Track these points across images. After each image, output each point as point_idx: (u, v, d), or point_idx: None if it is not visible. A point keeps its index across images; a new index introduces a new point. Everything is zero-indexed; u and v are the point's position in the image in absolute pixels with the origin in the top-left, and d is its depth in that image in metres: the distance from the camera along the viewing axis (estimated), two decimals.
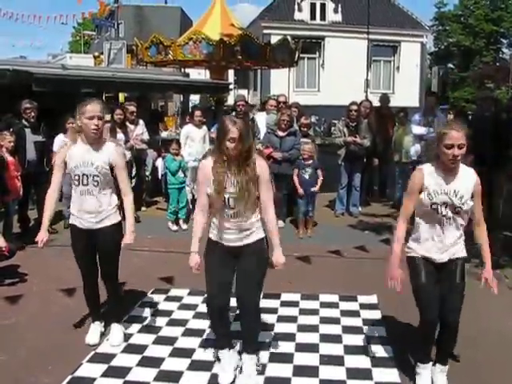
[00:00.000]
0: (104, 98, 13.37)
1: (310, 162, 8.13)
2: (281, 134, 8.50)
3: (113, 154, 4.40)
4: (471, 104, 33.04)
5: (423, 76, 33.51)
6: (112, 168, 4.39)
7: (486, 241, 3.92)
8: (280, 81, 23.16)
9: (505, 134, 8.21)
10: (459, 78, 40.50)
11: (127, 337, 4.74)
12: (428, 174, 3.78)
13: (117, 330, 4.68)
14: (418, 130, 8.91)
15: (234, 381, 4.01)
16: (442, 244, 3.84)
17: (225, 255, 4.02)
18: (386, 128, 10.20)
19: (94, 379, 4.07)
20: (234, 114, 9.09)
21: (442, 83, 30.53)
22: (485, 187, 8.64)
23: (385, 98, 11.06)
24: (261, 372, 4.16)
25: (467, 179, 3.77)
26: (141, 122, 9.36)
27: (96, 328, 4.76)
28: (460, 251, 3.92)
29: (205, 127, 9.32)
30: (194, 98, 17.70)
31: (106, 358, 4.40)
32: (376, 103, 10.92)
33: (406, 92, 29.04)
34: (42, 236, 4.44)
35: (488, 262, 3.91)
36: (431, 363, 4.00)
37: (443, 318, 3.83)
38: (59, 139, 8.36)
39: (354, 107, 9.13)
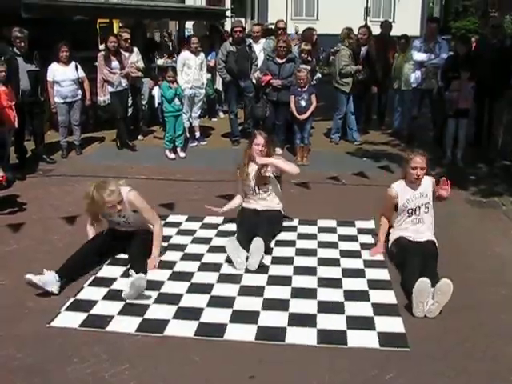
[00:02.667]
0: (98, 26, 13.08)
1: (305, 88, 8.03)
2: (279, 60, 8.34)
3: (129, 201, 4.70)
4: (474, 34, 32.38)
5: (425, 4, 32.65)
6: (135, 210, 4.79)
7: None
8: (278, 9, 22.63)
9: (508, 62, 8.07)
10: (462, 7, 39.48)
11: (126, 261, 4.76)
12: (399, 190, 4.85)
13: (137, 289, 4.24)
14: (419, 56, 8.72)
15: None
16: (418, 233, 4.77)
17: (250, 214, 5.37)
18: (386, 55, 9.98)
19: (96, 301, 4.15)
20: (231, 40, 8.87)
21: (444, 11, 29.82)
22: (485, 116, 8.64)
23: (387, 25, 10.78)
24: (260, 294, 4.23)
25: (427, 183, 4.83)
26: (135, 49, 9.15)
27: None
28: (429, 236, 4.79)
29: (202, 54, 9.11)
30: (190, 27, 17.34)
31: (106, 282, 4.47)
32: (376, 32, 10.64)
33: (407, 20, 28.27)
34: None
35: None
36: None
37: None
38: (52, 68, 8.21)
39: (353, 34, 8.99)
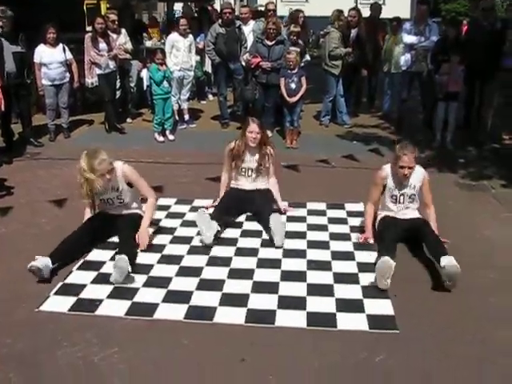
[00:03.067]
0: (85, 7, 12.91)
1: (296, 70, 8.00)
2: (269, 43, 8.28)
3: (125, 174, 4.72)
4: (464, 17, 32.25)
5: None
6: (130, 184, 4.79)
7: (434, 219, 4.83)
8: None
9: (499, 45, 8.07)
10: None
11: (115, 245, 4.73)
12: (389, 174, 4.81)
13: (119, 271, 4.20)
14: (409, 38, 8.67)
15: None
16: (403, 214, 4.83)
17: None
18: (376, 38, 9.94)
19: (85, 285, 4.12)
20: (220, 22, 8.79)
21: None
22: (476, 99, 8.63)
23: (376, 7, 10.72)
24: (249, 277, 4.23)
25: (418, 174, 4.77)
26: (123, 31, 9.05)
27: None
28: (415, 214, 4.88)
29: (191, 36, 9.04)
30: (178, 9, 17.15)
31: (95, 265, 4.44)
32: (366, 14, 10.57)
33: (398, 2, 28.19)
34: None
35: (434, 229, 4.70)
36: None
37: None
38: (39, 50, 8.11)
39: (343, 17, 8.94)
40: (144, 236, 4.71)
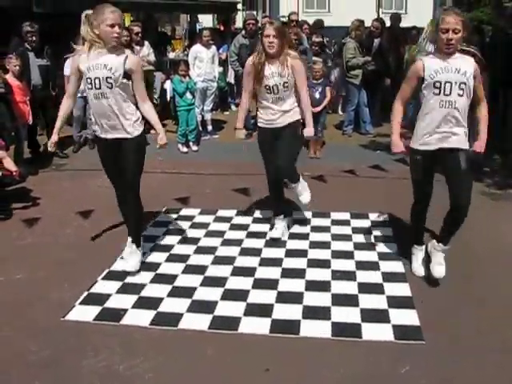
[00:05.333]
0: None
1: (320, 80, 8.00)
2: (292, 52, 8.27)
3: (129, 59, 4.23)
4: (487, 25, 31.97)
5: None
6: (128, 76, 4.23)
7: (485, 117, 4.17)
8: (289, 2, 22.47)
9: None
10: None
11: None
12: (427, 59, 4.02)
13: (135, 254, 4.59)
14: (431, 47, 8.63)
15: (280, 238, 5.04)
16: (438, 127, 4.01)
17: (271, 138, 4.92)
18: (398, 47, 9.92)
19: (109, 295, 4.15)
20: (243, 33, 8.84)
21: (456, 3, 29.51)
22: (500, 107, 8.51)
23: (395, 17, 10.71)
24: (273, 287, 4.22)
25: (467, 61, 3.97)
26: (146, 43, 9.16)
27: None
28: (463, 142, 4.05)
29: (214, 47, 9.10)
30: (201, 21, 17.27)
31: (120, 275, 4.46)
32: (389, 23, 10.58)
33: (420, 11, 28.00)
34: (54, 139, 4.53)
35: (483, 136, 4.19)
36: (424, 246, 4.48)
37: (453, 199, 4.04)
38: (70, 63, 8.20)
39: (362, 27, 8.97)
40: (164, 140, 4.47)
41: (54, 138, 4.52)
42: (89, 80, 4.20)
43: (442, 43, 3.87)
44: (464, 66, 3.90)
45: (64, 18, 9.09)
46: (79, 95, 8.28)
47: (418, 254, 4.51)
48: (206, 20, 17.83)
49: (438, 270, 4.21)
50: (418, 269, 4.43)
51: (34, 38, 7.65)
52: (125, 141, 4.35)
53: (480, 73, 3.98)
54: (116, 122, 4.31)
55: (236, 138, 5.07)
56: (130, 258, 4.59)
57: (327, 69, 9.51)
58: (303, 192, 5.10)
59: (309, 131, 4.95)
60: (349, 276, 4.39)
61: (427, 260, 4.41)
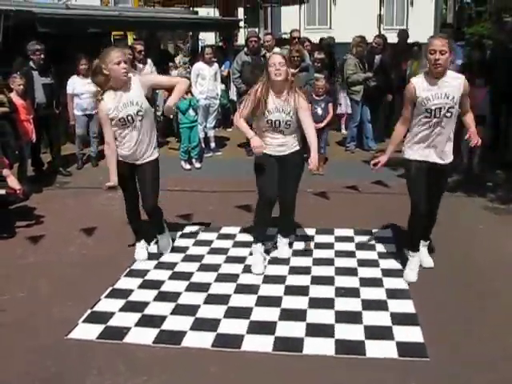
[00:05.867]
0: (112, 39, 13.17)
1: (323, 97, 8.03)
2: (293, 70, 8.31)
3: (140, 82, 4.68)
4: (487, 40, 32.13)
5: (438, 11, 32.51)
6: (149, 92, 4.77)
7: (472, 120, 4.50)
8: (291, 18, 22.60)
9: None
10: (475, 13, 39.27)
11: (143, 273, 4.80)
12: (418, 83, 4.30)
13: (165, 236, 5.21)
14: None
15: (263, 273, 4.77)
16: (435, 149, 4.40)
17: (272, 161, 4.77)
18: (400, 63, 9.97)
19: (113, 313, 4.15)
20: (245, 50, 8.90)
21: (457, 18, 29.68)
22: (503, 121, 8.52)
23: (403, 34, 10.78)
24: (277, 304, 4.21)
25: (455, 81, 4.26)
26: (149, 61, 9.22)
27: (142, 245, 5.19)
28: (450, 156, 4.51)
29: (216, 65, 9.16)
30: (203, 38, 17.39)
31: (123, 293, 4.47)
32: (390, 39, 10.63)
33: (421, 27, 28.13)
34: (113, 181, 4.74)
35: (473, 127, 4.46)
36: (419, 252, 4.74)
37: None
38: (72, 81, 8.28)
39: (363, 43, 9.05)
40: (170, 111, 5.11)
41: (114, 179, 4.72)
42: (122, 120, 4.60)
43: (430, 64, 4.17)
44: (452, 91, 4.22)
45: (66, 38, 9.22)
46: (81, 113, 8.38)
47: (412, 260, 4.68)
48: (209, 38, 17.95)
49: (427, 260, 4.79)
50: (408, 274, 4.61)
51: (41, 57, 7.72)
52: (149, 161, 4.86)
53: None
54: (146, 148, 4.78)
55: (256, 151, 4.64)
56: (160, 240, 5.19)
57: (333, 85, 9.58)
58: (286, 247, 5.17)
59: (314, 164, 4.60)
60: (352, 293, 4.38)
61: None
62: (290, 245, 5.25)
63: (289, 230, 5.24)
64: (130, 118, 4.60)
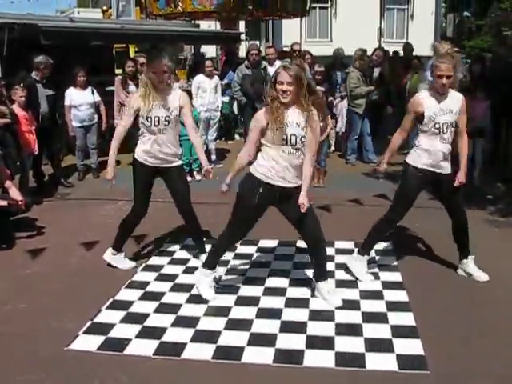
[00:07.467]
0: (114, 51, 13.25)
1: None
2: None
3: (182, 98, 4.89)
4: (487, 53, 32.28)
5: (438, 24, 32.68)
6: (180, 108, 4.86)
7: (465, 150, 4.76)
8: (292, 31, 22.69)
9: None
10: (475, 27, 39.47)
11: (144, 284, 4.80)
12: (424, 98, 4.53)
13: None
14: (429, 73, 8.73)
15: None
16: (436, 158, 4.62)
17: (275, 199, 4.34)
18: (400, 76, 10.04)
19: (113, 325, 4.15)
20: (246, 63, 8.95)
21: (457, 31, 29.86)
22: (502, 134, 8.55)
23: (409, 47, 10.86)
24: (277, 316, 4.22)
25: (456, 99, 4.54)
26: None
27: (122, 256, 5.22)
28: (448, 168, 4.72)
29: (216, 77, 9.23)
30: (205, 51, 17.48)
31: (123, 304, 4.47)
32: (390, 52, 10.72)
33: (421, 41, 28.26)
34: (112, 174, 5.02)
35: (463, 168, 4.75)
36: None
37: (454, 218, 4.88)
38: (69, 93, 8.34)
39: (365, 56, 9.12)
40: (209, 174, 5.16)
41: (111, 173, 5.02)
42: (149, 119, 4.77)
43: (436, 85, 4.44)
44: (455, 106, 4.51)
45: (67, 50, 9.28)
46: (79, 124, 8.42)
47: (365, 263, 4.96)
48: (210, 50, 18.06)
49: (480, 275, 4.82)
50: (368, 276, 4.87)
51: (46, 71, 7.78)
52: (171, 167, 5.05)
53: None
54: (170, 153, 4.95)
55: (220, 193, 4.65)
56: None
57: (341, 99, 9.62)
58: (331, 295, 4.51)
59: (303, 199, 4.21)
60: (353, 305, 4.39)
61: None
62: (291, 257, 5.27)
63: (325, 270, 4.59)
64: (156, 119, 4.77)
